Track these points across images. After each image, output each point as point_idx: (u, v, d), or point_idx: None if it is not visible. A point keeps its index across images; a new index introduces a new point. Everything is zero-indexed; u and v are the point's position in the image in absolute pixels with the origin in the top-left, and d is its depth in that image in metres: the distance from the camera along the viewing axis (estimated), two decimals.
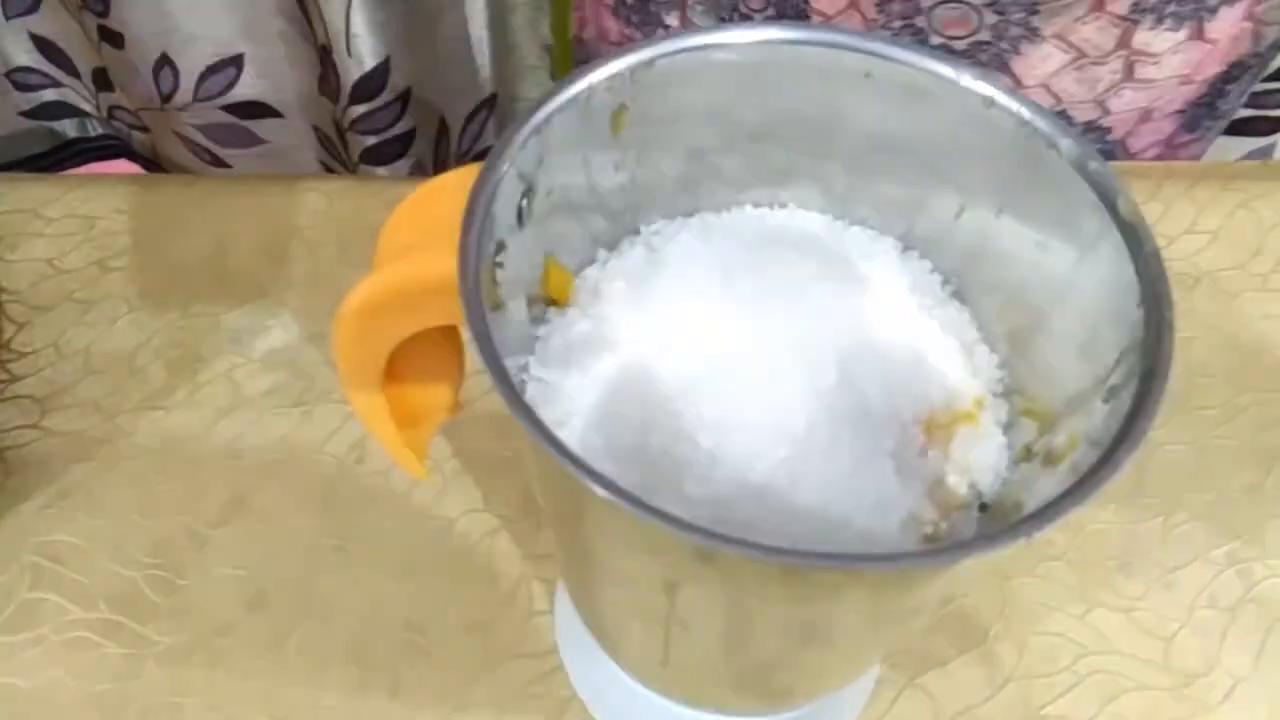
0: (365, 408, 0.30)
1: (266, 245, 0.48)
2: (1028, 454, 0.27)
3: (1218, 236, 0.49)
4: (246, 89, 0.57)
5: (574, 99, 0.25)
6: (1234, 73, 0.48)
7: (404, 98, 0.58)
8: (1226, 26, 0.45)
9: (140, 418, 0.43)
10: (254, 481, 0.42)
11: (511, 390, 0.20)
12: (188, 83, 0.56)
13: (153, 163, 0.65)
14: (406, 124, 0.59)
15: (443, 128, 0.62)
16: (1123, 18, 0.44)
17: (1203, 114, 0.50)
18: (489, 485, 0.42)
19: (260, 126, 0.60)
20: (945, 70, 0.26)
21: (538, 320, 0.29)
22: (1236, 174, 0.52)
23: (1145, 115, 0.49)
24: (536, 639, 0.38)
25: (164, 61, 0.55)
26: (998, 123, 0.25)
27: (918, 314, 0.29)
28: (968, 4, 0.43)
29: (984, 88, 0.25)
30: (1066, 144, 0.24)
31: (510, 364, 0.27)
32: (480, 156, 0.59)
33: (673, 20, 0.51)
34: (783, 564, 0.19)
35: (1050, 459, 0.25)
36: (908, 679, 0.38)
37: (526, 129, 0.24)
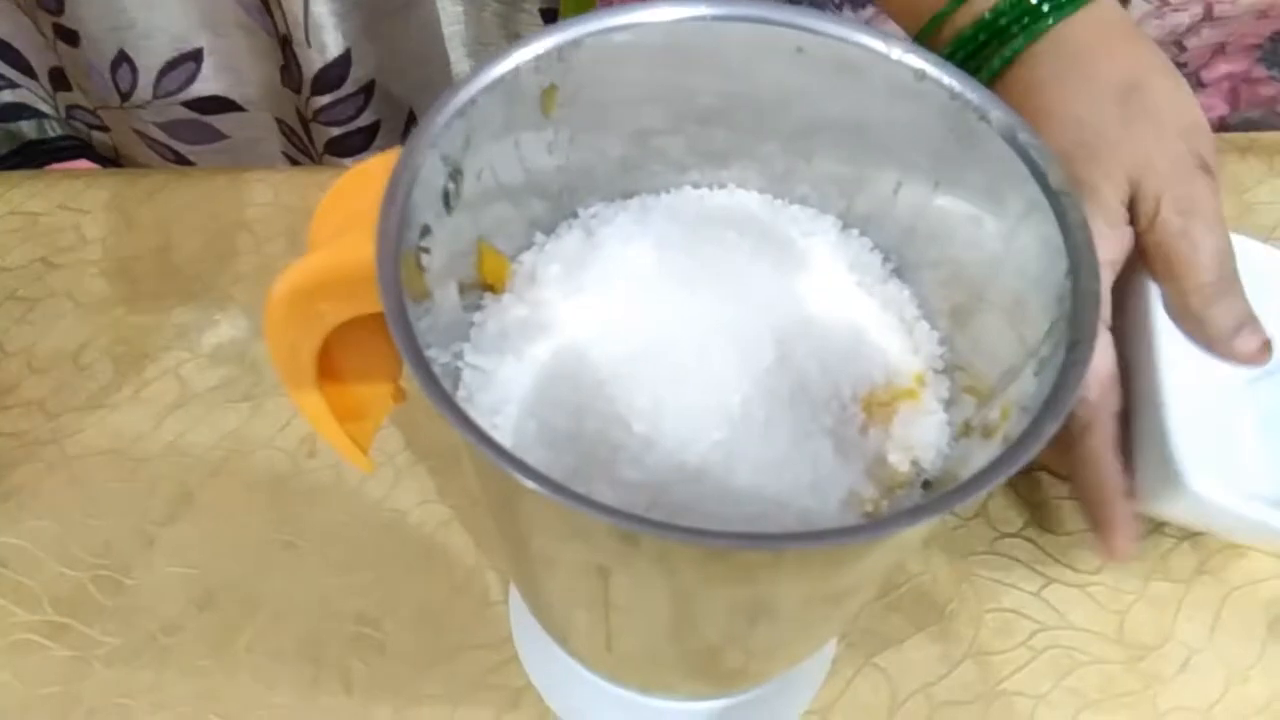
0: (304, 401, 0.29)
1: (213, 239, 0.47)
2: (967, 429, 0.27)
3: None
4: (207, 83, 0.56)
5: (500, 80, 0.25)
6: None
7: (368, 89, 0.57)
8: None
9: (86, 416, 0.42)
10: (202, 478, 0.41)
11: (430, 378, 0.20)
12: (147, 79, 0.55)
13: (114, 163, 0.64)
14: (371, 116, 0.58)
15: (412, 120, 0.61)
16: None
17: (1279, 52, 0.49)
18: (442, 476, 0.41)
19: (223, 121, 0.59)
20: (876, 44, 0.25)
21: (473, 306, 0.28)
22: None
23: (1220, 49, 0.48)
24: (491, 629, 0.38)
25: (122, 58, 0.54)
26: (929, 95, 0.25)
27: (858, 292, 0.29)
28: None
29: (915, 60, 0.25)
30: (997, 115, 0.24)
31: (444, 352, 0.27)
32: None
33: None
34: (705, 546, 0.19)
35: (986, 432, 0.25)
36: (864, 658, 0.38)
37: (449, 110, 0.24)
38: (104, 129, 0.61)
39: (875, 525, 0.19)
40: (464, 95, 0.24)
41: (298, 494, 0.41)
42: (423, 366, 0.20)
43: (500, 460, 0.19)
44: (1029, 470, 0.39)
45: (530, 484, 0.19)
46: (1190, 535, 0.40)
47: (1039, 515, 0.40)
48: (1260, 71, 0.51)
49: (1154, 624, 0.38)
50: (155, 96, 0.56)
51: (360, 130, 0.58)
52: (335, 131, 0.57)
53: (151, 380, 0.43)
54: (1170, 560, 0.40)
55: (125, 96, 0.56)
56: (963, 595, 0.39)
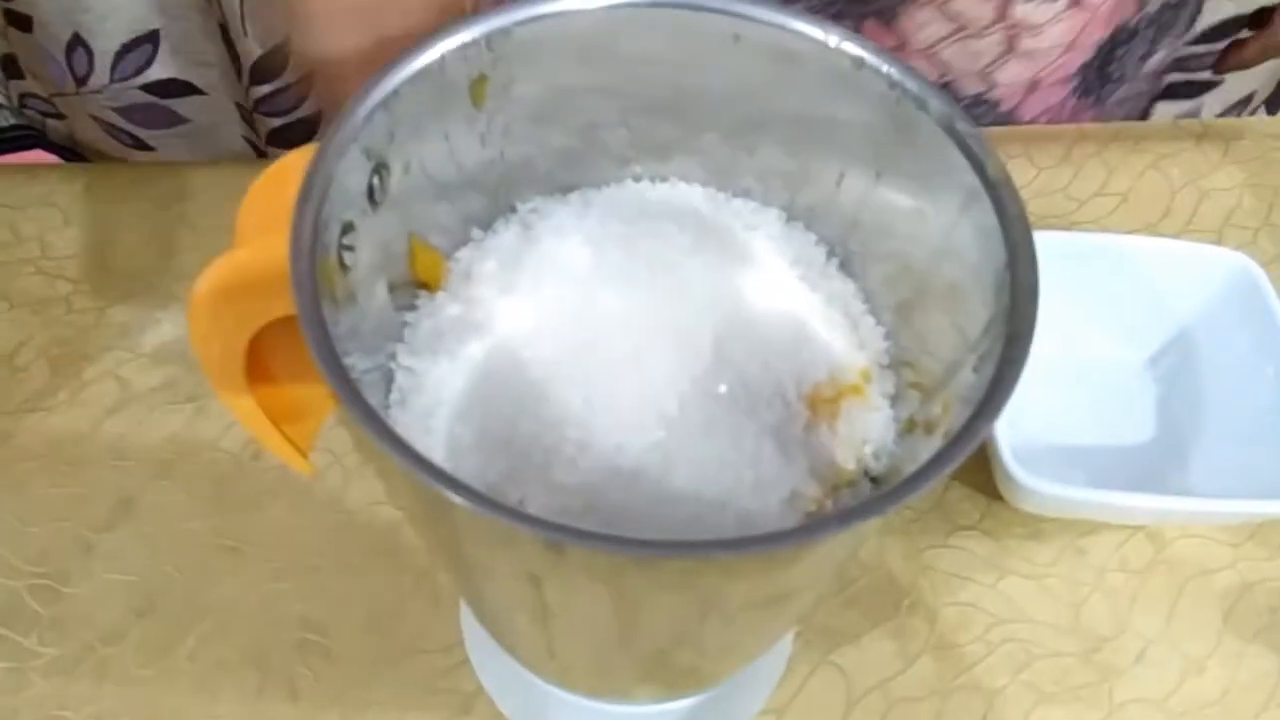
0: (235, 402, 0.28)
1: (153, 235, 0.46)
2: (912, 425, 0.26)
3: (1128, 198, 0.49)
4: (164, 67, 0.55)
5: (425, 70, 0.24)
6: (1121, 36, 0.48)
7: (309, 79, 0.55)
8: None
9: (21, 420, 0.41)
10: (143, 482, 0.40)
11: (344, 386, 0.19)
12: (103, 63, 0.54)
13: (70, 151, 0.62)
14: (311, 107, 0.57)
15: None
16: None
17: (1094, 79, 0.50)
18: None
19: (182, 105, 0.57)
20: (814, 31, 0.25)
21: (407, 306, 0.27)
22: (1146, 135, 0.51)
23: (1033, 86, 0.49)
24: (442, 633, 0.37)
25: (76, 42, 0.52)
26: (868, 84, 0.25)
27: (801, 286, 0.28)
28: None
29: (853, 48, 0.24)
30: (935, 104, 0.24)
31: (374, 354, 0.26)
32: None
33: None
34: (629, 556, 0.18)
35: (929, 428, 0.24)
36: (821, 655, 0.37)
37: (370, 103, 0.23)
38: (59, 116, 0.59)
39: (803, 530, 0.18)
40: (386, 86, 0.23)
41: (243, 497, 0.40)
42: (337, 374, 0.19)
43: (415, 468, 0.18)
44: (983, 463, 0.38)
45: (449, 493, 0.18)
46: (1144, 527, 0.40)
47: (995, 507, 0.40)
48: (1076, 100, 0.51)
49: (1110, 615, 0.38)
50: (112, 80, 0.55)
51: (301, 121, 0.56)
52: (276, 123, 0.56)
53: (90, 382, 0.42)
54: (1126, 551, 0.40)
55: (81, 81, 0.55)
56: (919, 590, 0.39)
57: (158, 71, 0.54)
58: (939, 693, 0.37)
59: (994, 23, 0.45)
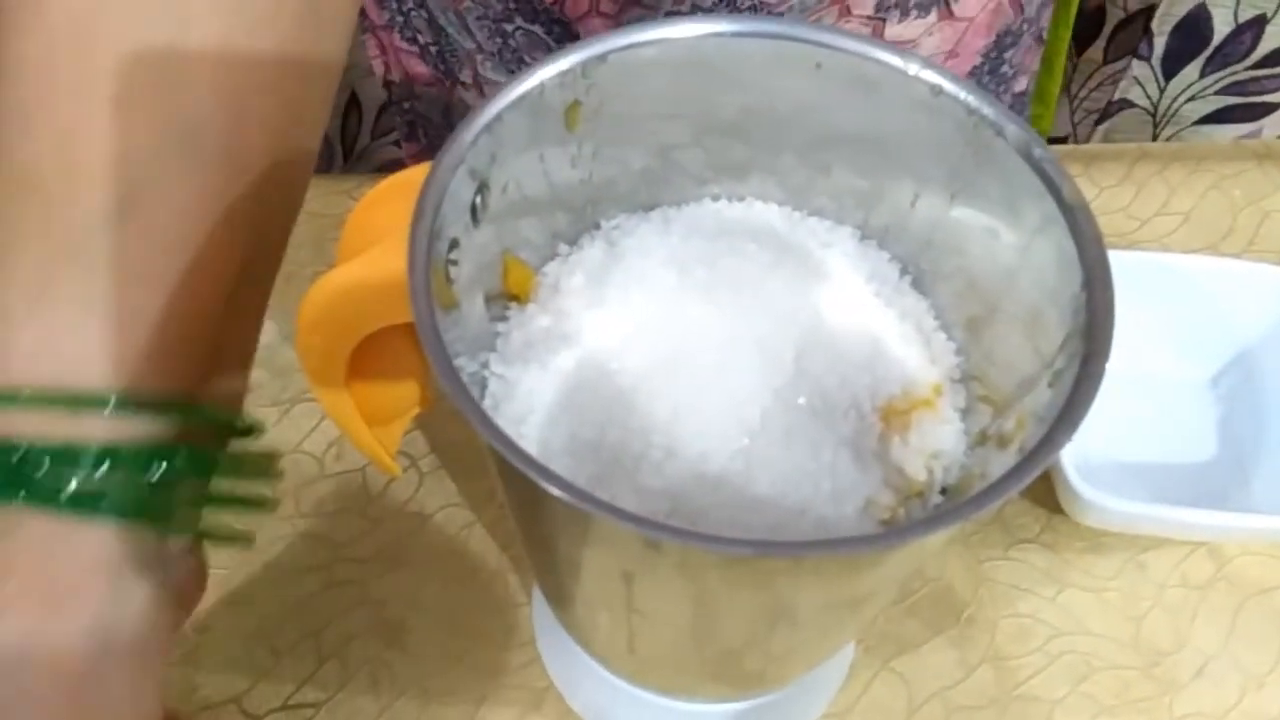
0: (333, 405, 0.30)
1: None
2: (983, 438, 0.27)
3: (1189, 218, 0.49)
4: None
5: (525, 96, 0.26)
6: (1007, 40, 0.48)
7: None
8: (976, 2, 0.45)
9: None
10: None
11: (460, 388, 0.21)
12: None
13: None
14: None
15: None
16: (870, 17, 0.44)
17: (988, 81, 0.50)
18: (464, 479, 0.42)
19: None
20: (893, 60, 0.26)
21: (499, 317, 0.29)
22: (1208, 155, 0.52)
23: None
24: (514, 631, 0.39)
25: None
26: (946, 110, 0.26)
27: (876, 303, 0.29)
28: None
29: (932, 76, 0.26)
30: (1012, 130, 0.25)
31: (471, 361, 0.27)
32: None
33: (465, 75, 0.51)
34: (724, 554, 0.19)
35: (1002, 442, 0.25)
36: (882, 662, 0.38)
37: (476, 126, 0.25)
38: None
39: (889, 534, 0.19)
40: (491, 111, 0.25)
41: (323, 498, 0.41)
42: (453, 376, 0.21)
43: (526, 468, 0.20)
44: (1044, 477, 0.39)
45: (555, 491, 0.20)
46: (1205, 543, 0.40)
47: (1055, 520, 0.41)
48: None
49: (1170, 630, 0.39)
50: None
51: None
52: None
53: None
54: (1186, 567, 0.40)
55: None
56: (980, 600, 0.39)
57: None
58: (998, 702, 0.37)
59: None
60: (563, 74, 0.26)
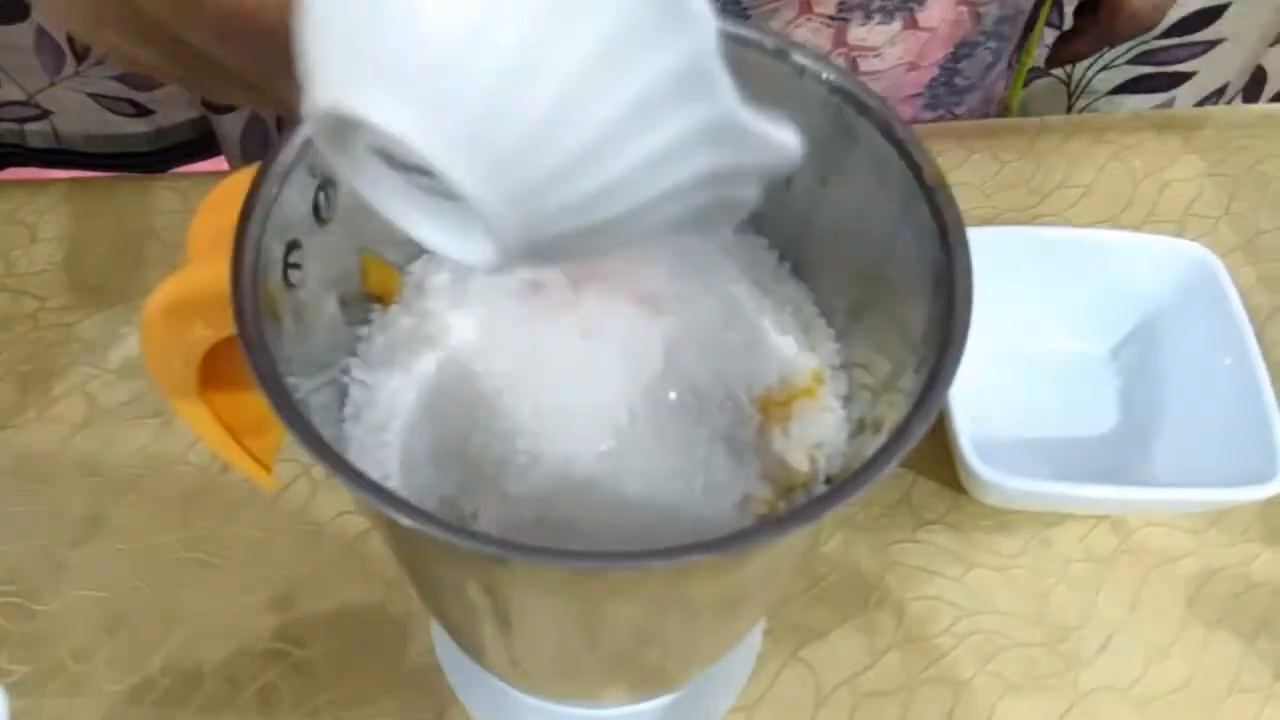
0: (189, 416, 0.29)
1: (120, 249, 0.46)
2: (863, 425, 0.26)
3: (1090, 190, 0.49)
4: None
5: None
6: (963, 51, 0.49)
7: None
8: (939, 14, 0.46)
9: None
10: (113, 498, 0.40)
11: (284, 404, 0.19)
12: None
13: (56, 153, 0.62)
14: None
15: None
16: (833, 18, 0.44)
17: (942, 93, 0.50)
18: None
19: None
20: (757, 37, 0.25)
21: (362, 320, 0.28)
22: (1108, 126, 0.52)
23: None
24: (413, 641, 0.37)
25: None
26: (810, 91, 0.25)
27: (753, 292, 0.28)
28: None
29: (796, 57, 0.25)
30: (874, 108, 0.24)
31: (328, 369, 0.26)
32: None
33: None
34: (569, 569, 0.18)
35: (877, 428, 0.25)
36: (789, 652, 0.37)
37: None
38: (41, 116, 0.59)
39: (741, 535, 0.19)
40: None
41: (212, 510, 0.40)
42: (277, 394, 0.19)
43: (358, 487, 0.19)
44: (948, 459, 0.39)
45: (390, 511, 0.18)
46: (1108, 517, 0.40)
47: (961, 501, 0.41)
48: (928, 114, 0.52)
49: (1075, 605, 0.39)
50: None
51: None
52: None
53: (58, 398, 0.42)
54: (1090, 541, 0.40)
55: (82, 57, 0.55)
56: (887, 585, 0.39)
57: None
58: (907, 686, 0.37)
59: (834, 48, 0.46)
60: None
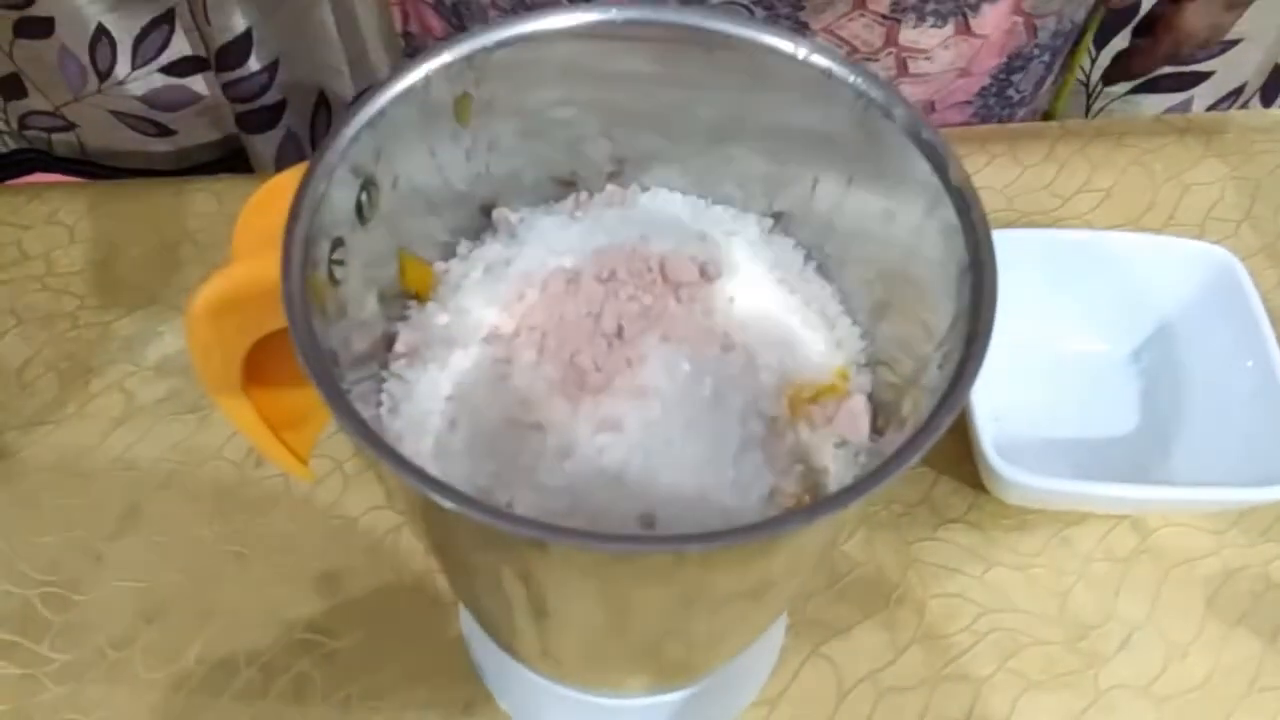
0: (232, 411, 0.30)
1: (157, 250, 0.47)
2: (887, 421, 0.27)
3: (1111, 194, 0.50)
4: (180, 45, 0.57)
5: (410, 90, 0.25)
6: (1016, 63, 0.49)
7: (271, 69, 0.57)
8: (994, 21, 0.46)
9: (30, 434, 0.42)
10: (149, 491, 0.41)
11: (334, 394, 0.20)
12: (125, 52, 0.56)
13: (79, 163, 0.63)
14: (275, 95, 0.59)
15: (323, 101, 0.62)
16: (885, 16, 0.44)
17: (994, 103, 0.51)
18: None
19: (196, 82, 0.59)
20: (784, 45, 0.26)
21: (399, 317, 0.28)
22: (1129, 130, 0.52)
23: (928, 108, 0.50)
24: (443, 632, 0.38)
25: (100, 33, 0.54)
26: (837, 94, 0.25)
27: (780, 290, 0.29)
28: (738, 1, 0.44)
29: (821, 60, 0.25)
30: (900, 112, 0.24)
31: (368, 364, 0.27)
32: None
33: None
34: (604, 552, 0.19)
35: (902, 424, 0.25)
36: (812, 648, 0.38)
37: (356, 123, 0.24)
38: (67, 128, 0.61)
39: (772, 523, 0.19)
40: (373, 106, 0.24)
41: (246, 504, 0.41)
42: (328, 385, 0.20)
43: (403, 472, 0.19)
44: (970, 458, 0.39)
45: (435, 495, 0.19)
46: (1128, 516, 0.41)
47: (981, 500, 0.41)
48: (980, 125, 0.52)
49: (1095, 603, 0.39)
50: (135, 66, 0.57)
51: (265, 108, 0.58)
52: (241, 108, 0.58)
53: (97, 394, 0.43)
54: (1110, 540, 0.40)
55: (105, 75, 0.56)
56: (908, 582, 0.39)
57: (174, 51, 0.57)
58: (928, 682, 0.37)
59: (884, 47, 0.46)
60: (448, 66, 0.25)
